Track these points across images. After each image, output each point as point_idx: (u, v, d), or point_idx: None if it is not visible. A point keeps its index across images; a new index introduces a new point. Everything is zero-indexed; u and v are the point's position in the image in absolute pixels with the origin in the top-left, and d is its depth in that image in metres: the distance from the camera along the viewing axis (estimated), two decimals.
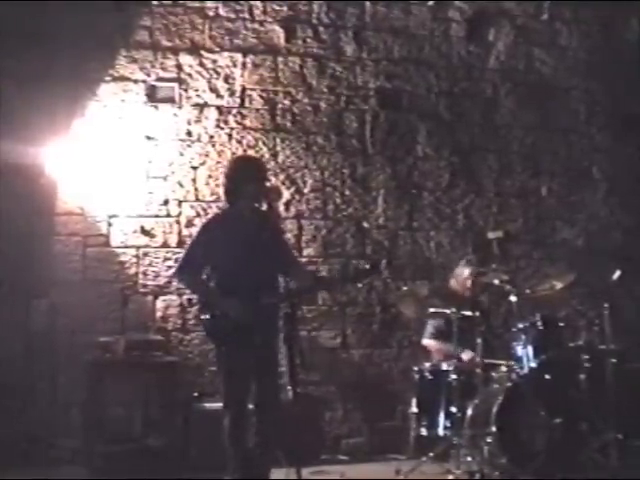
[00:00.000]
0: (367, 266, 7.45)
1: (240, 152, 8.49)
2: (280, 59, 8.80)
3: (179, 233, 8.30)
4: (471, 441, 6.84)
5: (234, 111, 8.61)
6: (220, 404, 6.73)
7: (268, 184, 6.67)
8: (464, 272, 7.96)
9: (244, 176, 6.29)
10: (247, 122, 8.63)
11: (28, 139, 7.77)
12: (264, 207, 6.31)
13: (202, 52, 8.58)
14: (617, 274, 7.22)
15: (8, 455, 7.26)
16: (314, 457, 7.64)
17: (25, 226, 7.86)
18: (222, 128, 8.56)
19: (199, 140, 8.48)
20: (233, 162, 6.99)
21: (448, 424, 7.06)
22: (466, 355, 7.43)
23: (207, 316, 6.16)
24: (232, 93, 8.62)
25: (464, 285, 7.90)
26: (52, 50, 8.01)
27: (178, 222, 8.32)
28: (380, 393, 8.61)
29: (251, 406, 6.18)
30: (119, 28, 8.36)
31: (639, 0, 9.52)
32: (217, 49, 8.62)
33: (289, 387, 5.91)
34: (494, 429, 6.65)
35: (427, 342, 8.00)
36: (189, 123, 8.48)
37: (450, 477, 6.79)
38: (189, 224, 8.30)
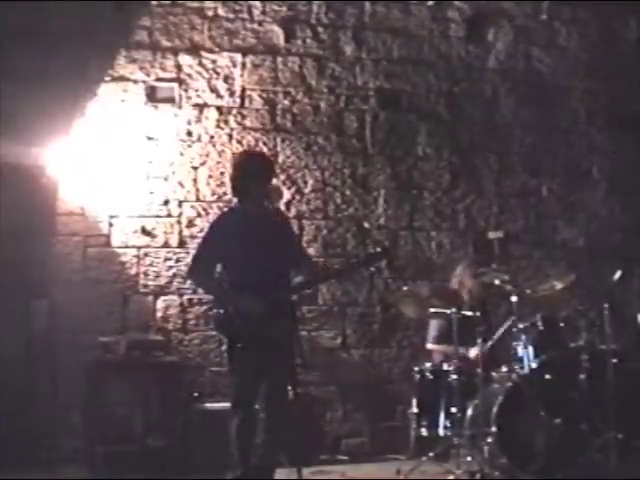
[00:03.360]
0: (378, 249, 7.39)
1: None
2: (280, 59, 8.80)
3: (180, 233, 8.30)
4: (471, 441, 6.85)
5: (234, 111, 8.61)
6: (220, 404, 6.78)
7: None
8: (461, 272, 7.99)
9: (253, 173, 6.28)
10: (247, 122, 8.63)
11: (28, 139, 7.77)
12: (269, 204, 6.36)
13: (202, 52, 8.58)
14: (617, 274, 7.22)
15: (9, 455, 7.26)
16: (314, 457, 7.65)
17: (26, 226, 7.85)
18: (222, 128, 8.56)
19: (199, 140, 8.48)
20: (241, 158, 6.93)
21: (448, 424, 7.05)
22: (473, 352, 7.41)
23: (222, 315, 6.16)
24: (232, 93, 8.63)
25: (463, 285, 7.92)
26: (52, 50, 8.01)
27: (179, 222, 8.33)
28: (380, 393, 8.63)
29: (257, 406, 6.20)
30: (119, 28, 8.35)
31: (639, 0, 9.53)
32: (217, 49, 8.62)
33: (289, 387, 5.91)
34: (494, 429, 6.67)
35: (432, 347, 7.96)
36: (189, 123, 8.48)
37: (450, 477, 6.79)
38: (190, 224, 8.32)
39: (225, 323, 6.12)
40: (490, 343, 7.32)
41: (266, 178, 6.31)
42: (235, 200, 6.56)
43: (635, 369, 7.09)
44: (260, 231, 6.15)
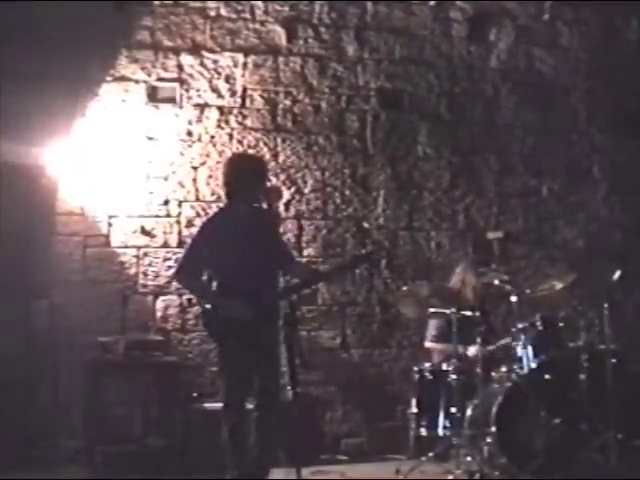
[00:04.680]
0: (364, 251, 7.40)
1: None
2: (281, 59, 8.80)
3: (179, 233, 8.30)
4: (471, 441, 6.84)
5: (235, 111, 8.62)
6: (220, 404, 6.75)
7: (268, 184, 6.68)
8: (462, 271, 7.98)
9: (247, 175, 6.28)
10: (248, 122, 8.64)
11: (28, 139, 7.79)
12: (262, 206, 6.35)
13: (203, 52, 8.58)
14: (617, 274, 7.21)
15: (9, 455, 7.26)
16: (314, 457, 7.64)
17: (25, 226, 7.87)
18: (223, 128, 8.56)
19: (200, 140, 8.48)
20: (235, 160, 6.92)
21: (448, 424, 7.04)
22: (471, 351, 7.40)
23: (210, 317, 6.16)
24: (233, 93, 8.63)
25: (466, 284, 7.90)
26: (52, 50, 8.01)
27: (178, 222, 8.33)
28: (380, 393, 8.62)
29: (250, 406, 6.19)
30: (120, 28, 8.36)
31: (639, 0, 9.52)
32: (218, 49, 8.63)
33: (289, 387, 5.91)
34: (494, 429, 6.65)
35: (430, 345, 7.96)
36: (190, 123, 8.48)
37: (450, 477, 6.77)
38: (189, 224, 8.31)
39: (214, 325, 6.13)
40: (491, 347, 7.32)
41: (259, 180, 6.32)
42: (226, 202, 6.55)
43: (635, 369, 7.08)
44: (250, 233, 6.15)
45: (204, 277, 6.20)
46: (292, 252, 7.19)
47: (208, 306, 6.18)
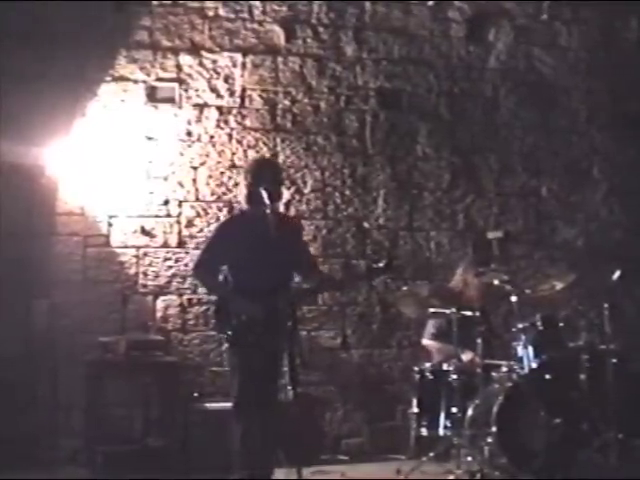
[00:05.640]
0: (380, 264, 7.39)
1: (240, 152, 8.52)
2: (280, 59, 8.80)
3: (179, 233, 8.30)
4: (471, 441, 6.83)
5: (234, 111, 8.61)
6: (220, 404, 6.77)
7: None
8: (464, 271, 7.98)
9: (266, 178, 6.29)
10: (247, 122, 8.64)
11: (28, 139, 7.77)
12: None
13: (202, 52, 8.58)
14: (617, 274, 7.22)
15: (9, 455, 7.24)
16: (314, 457, 7.63)
17: (25, 226, 7.86)
18: (222, 128, 8.56)
19: (199, 140, 8.48)
20: (259, 164, 6.95)
21: (448, 424, 7.04)
22: (466, 356, 7.41)
23: (224, 316, 6.16)
24: (232, 93, 8.63)
25: (468, 284, 7.91)
26: (52, 50, 8.01)
27: (178, 222, 8.33)
28: (380, 393, 8.63)
29: None
30: (119, 28, 8.36)
31: (639, 0, 9.53)
32: (217, 49, 8.63)
33: (289, 387, 5.90)
34: (494, 429, 6.63)
35: (427, 342, 7.99)
36: (189, 123, 8.48)
37: (450, 477, 6.79)
38: (189, 224, 8.32)
39: (230, 326, 6.13)
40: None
41: (277, 183, 6.36)
42: (244, 204, 6.55)
43: (635, 369, 7.09)
44: (269, 237, 6.10)
45: (220, 276, 6.22)
46: (314, 258, 7.10)
47: (221, 301, 6.20)
